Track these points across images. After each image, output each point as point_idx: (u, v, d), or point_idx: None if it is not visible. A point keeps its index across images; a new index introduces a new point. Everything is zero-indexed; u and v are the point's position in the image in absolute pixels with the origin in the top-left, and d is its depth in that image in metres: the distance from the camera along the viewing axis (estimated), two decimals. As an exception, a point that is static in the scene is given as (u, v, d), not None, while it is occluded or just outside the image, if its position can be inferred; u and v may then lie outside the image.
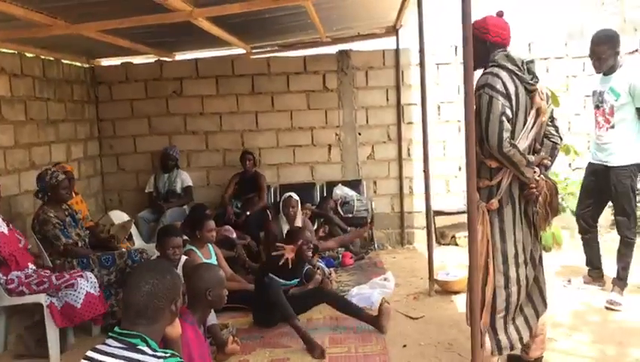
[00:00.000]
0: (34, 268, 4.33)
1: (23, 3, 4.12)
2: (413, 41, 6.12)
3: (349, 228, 6.89)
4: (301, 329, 4.23)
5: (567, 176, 6.85)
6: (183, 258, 4.40)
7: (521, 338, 3.30)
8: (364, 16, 6.49)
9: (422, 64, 5.11)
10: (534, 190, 3.19)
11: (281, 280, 4.63)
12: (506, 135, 3.03)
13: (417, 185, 7.21)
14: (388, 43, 7.50)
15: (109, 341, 1.92)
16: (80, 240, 4.83)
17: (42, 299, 4.09)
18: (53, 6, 4.32)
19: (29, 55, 5.97)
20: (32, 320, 4.51)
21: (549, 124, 3.37)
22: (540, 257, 3.41)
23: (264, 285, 4.56)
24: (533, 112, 3.22)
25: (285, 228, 5.94)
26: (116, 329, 1.94)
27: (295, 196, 6.06)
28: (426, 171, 5.39)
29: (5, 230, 4.25)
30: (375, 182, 7.49)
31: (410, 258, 6.68)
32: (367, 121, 7.40)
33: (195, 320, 3.01)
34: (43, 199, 4.84)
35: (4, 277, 4.13)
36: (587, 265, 5.19)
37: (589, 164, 5.00)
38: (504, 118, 3.05)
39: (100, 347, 1.92)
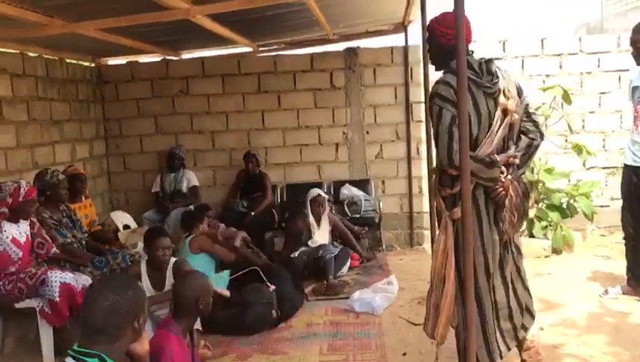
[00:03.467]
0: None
1: (17, 3, 4.06)
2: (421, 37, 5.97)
3: (355, 228, 6.77)
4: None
5: (580, 176, 6.64)
6: (172, 259, 4.30)
7: (501, 353, 3.13)
8: (370, 12, 6.35)
9: (425, 61, 4.97)
10: (500, 190, 2.99)
11: None
12: (456, 147, 2.81)
13: (427, 184, 7.06)
14: (397, 40, 7.37)
15: (68, 359, 1.82)
16: (76, 241, 4.78)
17: (34, 303, 4.02)
18: (49, 5, 4.26)
19: (31, 55, 5.93)
20: (29, 322, 4.46)
21: (525, 119, 3.15)
22: (519, 269, 3.22)
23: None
24: (498, 114, 3.00)
25: (313, 225, 6.06)
26: (75, 347, 1.84)
27: (323, 193, 6.20)
28: (430, 170, 5.24)
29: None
30: (383, 182, 7.35)
31: (418, 260, 6.53)
32: (375, 120, 7.26)
33: (180, 330, 2.91)
34: (39, 200, 4.79)
35: None
36: (628, 273, 4.78)
37: (629, 167, 4.59)
38: (454, 129, 2.84)
39: (57, 366, 1.83)
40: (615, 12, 14.44)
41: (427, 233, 7.20)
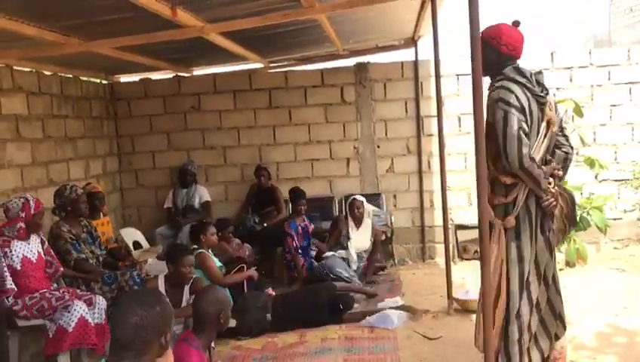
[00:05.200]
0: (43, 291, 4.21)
1: (36, 22, 4.13)
2: (432, 52, 6.01)
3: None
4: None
5: (592, 189, 6.62)
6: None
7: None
8: (381, 28, 6.41)
9: (437, 75, 5.02)
10: (551, 200, 3.05)
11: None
12: (526, 150, 2.92)
13: (438, 198, 7.03)
14: (407, 54, 7.41)
15: (95, 374, 1.84)
16: (93, 257, 4.81)
17: (47, 325, 4.02)
18: (66, 25, 4.33)
19: (47, 73, 6.01)
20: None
21: (559, 134, 3.25)
22: (554, 276, 3.23)
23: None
24: (544, 124, 3.11)
25: (352, 228, 6.29)
26: (102, 361, 1.87)
27: (359, 197, 6.39)
28: (443, 184, 5.25)
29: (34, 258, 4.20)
30: (395, 196, 7.36)
31: (431, 274, 6.52)
32: (385, 134, 7.29)
33: (200, 345, 2.93)
34: (60, 215, 4.85)
35: (13, 300, 4.06)
36: None
37: None
38: (522, 133, 2.94)
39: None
40: (623, 24, 14.47)
41: (439, 247, 7.21)
